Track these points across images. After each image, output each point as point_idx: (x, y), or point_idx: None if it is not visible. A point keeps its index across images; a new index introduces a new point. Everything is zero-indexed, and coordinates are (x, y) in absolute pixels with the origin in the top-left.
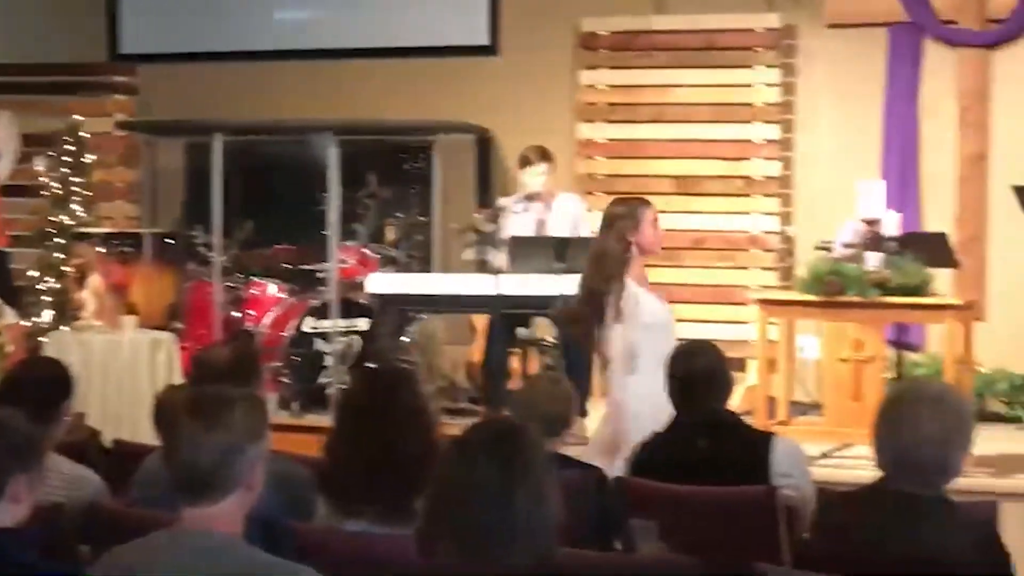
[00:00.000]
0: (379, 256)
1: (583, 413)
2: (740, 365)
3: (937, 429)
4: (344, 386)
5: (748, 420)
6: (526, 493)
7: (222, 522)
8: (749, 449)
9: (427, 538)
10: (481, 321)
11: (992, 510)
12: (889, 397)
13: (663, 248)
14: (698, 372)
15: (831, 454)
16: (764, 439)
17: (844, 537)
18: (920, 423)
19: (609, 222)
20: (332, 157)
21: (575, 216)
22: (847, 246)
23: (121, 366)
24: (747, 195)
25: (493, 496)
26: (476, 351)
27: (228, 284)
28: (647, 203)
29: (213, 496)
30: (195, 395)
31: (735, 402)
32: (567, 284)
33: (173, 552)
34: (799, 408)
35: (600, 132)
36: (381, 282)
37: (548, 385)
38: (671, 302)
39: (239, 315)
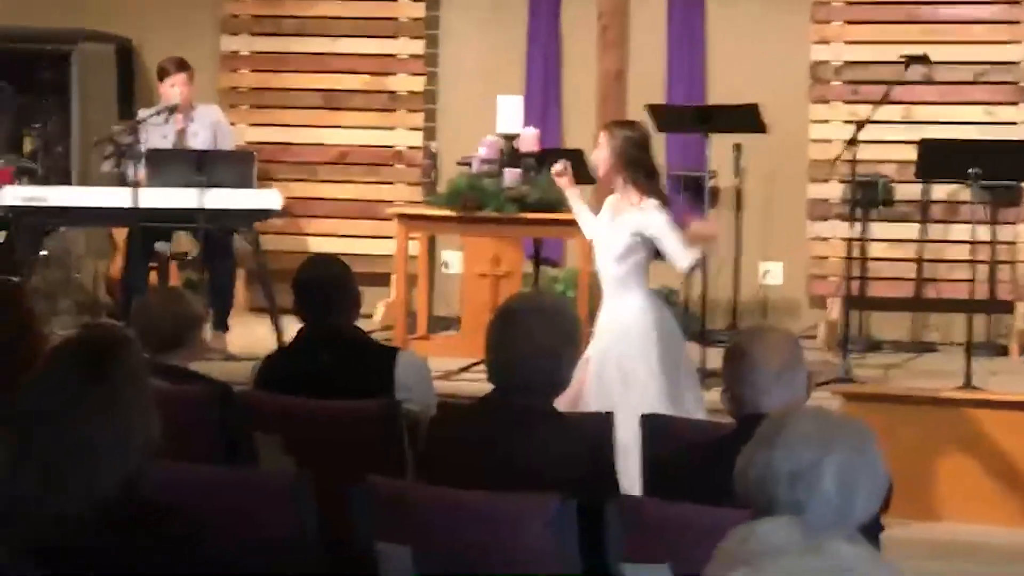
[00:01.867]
0: (14, 167)
1: (225, 328)
2: (384, 280)
3: (547, 342)
4: None
5: (387, 335)
6: (104, 406)
7: None
8: (373, 363)
9: (11, 455)
10: (122, 235)
11: (604, 423)
12: (501, 310)
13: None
14: (319, 285)
15: (470, 368)
16: (388, 353)
17: (458, 449)
18: (531, 336)
19: None
20: None
21: (215, 129)
22: (486, 162)
23: None
24: (391, 110)
25: (68, 410)
26: (116, 266)
27: None
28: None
29: None
30: None
31: (377, 317)
32: (207, 197)
33: None
34: (442, 323)
35: (244, 44)
36: (16, 194)
37: (160, 298)
38: (313, 216)
39: None
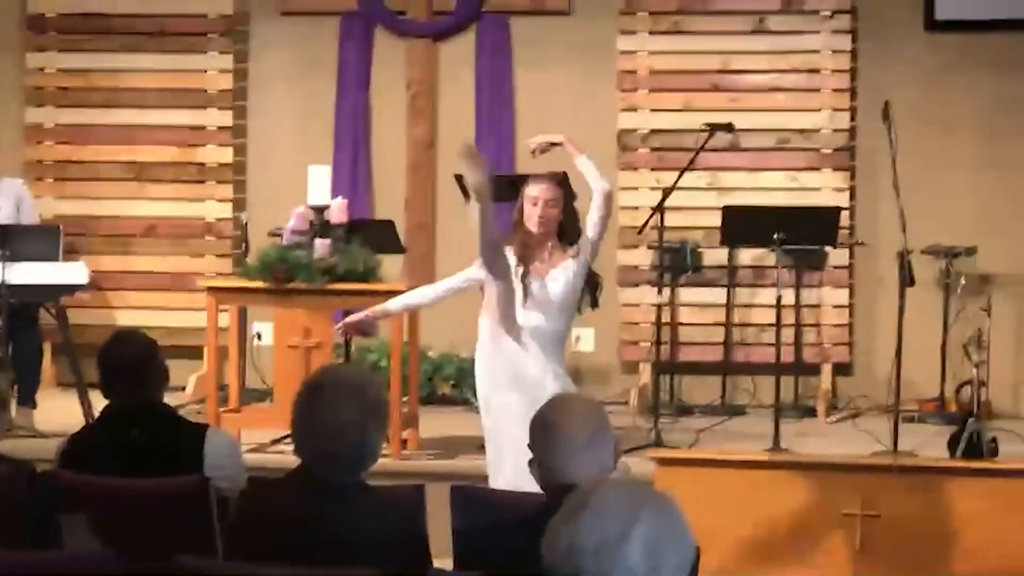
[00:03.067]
0: None
1: (32, 404)
2: (196, 353)
3: (353, 415)
4: None
5: (199, 408)
6: None
7: None
8: (182, 440)
9: None
10: None
11: (415, 494)
12: (307, 384)
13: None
14: (125, 361)
15: (283, 440)
16: (197, 430)
17: (268, 524)
18: (336, 410)
19: None
20: None
21: (19, 202)
22: (296, 232)
23: None
24: (201, 181)
25: None
26: None
27: None
28: (529, 179)
29: None
30: None
31: (189, 390)
32: (10, 272)
33: None
34: (255, 394)
35: (50, 117)
36: None
37: None
38: (121, 289)
39: None
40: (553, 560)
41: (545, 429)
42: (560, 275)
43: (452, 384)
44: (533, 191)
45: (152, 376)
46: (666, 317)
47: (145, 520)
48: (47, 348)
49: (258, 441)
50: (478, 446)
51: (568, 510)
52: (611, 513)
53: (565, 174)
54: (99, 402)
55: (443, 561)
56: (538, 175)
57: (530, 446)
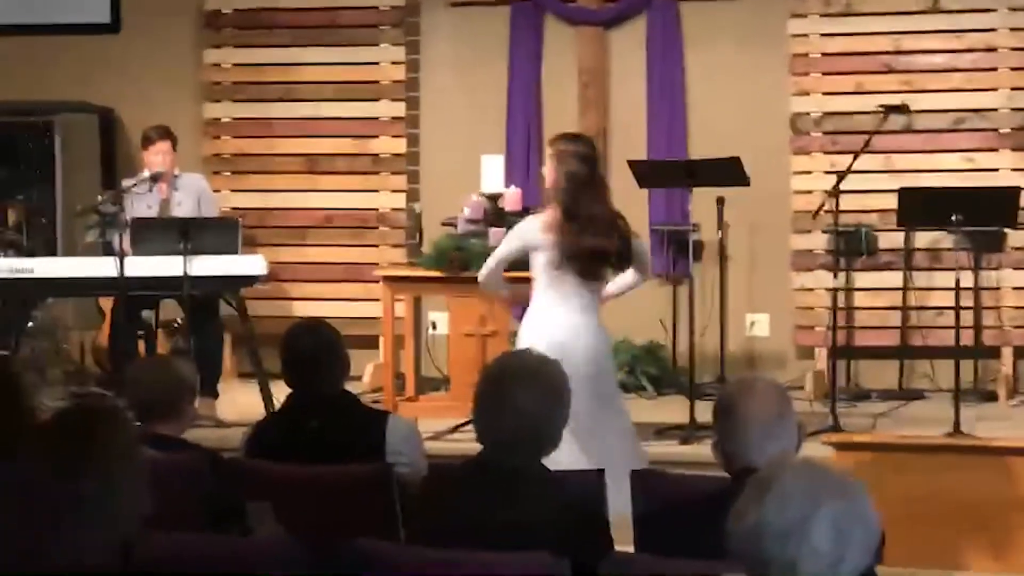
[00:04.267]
0: None
1: (214, 395)
2: (372, 342)
3: (532, 402)
4: None
5: (376, 397)
6: (97, 478)
7: None
8: (363, 428)
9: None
10: (109, 304)
11: (596, 480)
12: (487, 371)
13: (290, 227)
14: (308, 352)
15: (459, 428)
16: (378, 418)
17: (449, 510)
18: (516, 397)
19: None
20: None
21: (199, 196)
22: (470, 221)
23: None
24: (375, 172)
25: (61, 482)
26: (104, 335)
27: None
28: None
29: None
30: None
31: (365, 379)
32: (191, 265)
33: None
34: (431, 383)
35: (226, 111)
36: (2, 266)
37: (151, 367)
38: (299, 281)
39: None
40: (737, 543)
41: (728, 412)
42: None
43: (627, 370)
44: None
45: (334, 365)
46: (841, 301)
47: (328, 507)
48: (228, 339)
49: (435, 429)
50: (655, 432)
51: (752, 493)
52: (796, 496)
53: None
54: (280, 391)
55: (623, 546)
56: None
57: (713, 429)
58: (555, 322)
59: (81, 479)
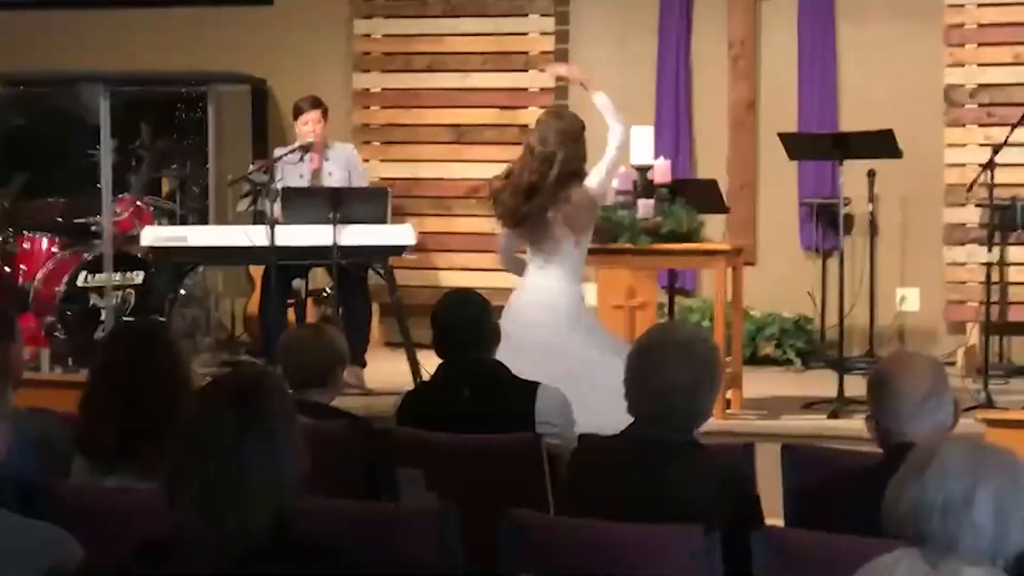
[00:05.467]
0: (154, 208)
1: (362, 363)
2: None
3: (685, 375)
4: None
5: None
6: (259, 444)
7: None
8: (513, 398)
9: (170, 492)
10: (259, 273)
11: (744, 453)
12: (639, 344)
13: (437, 196)
14: (461, 321)
15: None
16: (529, 388)
17: (600, 481)
18: (668, 369)
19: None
20: (103, 108)
21: (349, 166)
22: (619, 193)
23: None
24: (522, 143)
25: (224, 446)
26: (254, 303)
27: None
28: None
29: None
30: None
31: None
32: (341, 234)
33: None
34: None
35: (376, 82)
36: (156, 235)
37: (306, 334)
38: (446, 251)
39: (10, 270)
40: (895, 520)
41: (883, 386)
42: None
43: (775, 344)
44: None
45: (485, 336)
46: (995, 276)
47: (478, 476)
48: (375, 308)
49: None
50: (802, 405)
51: (910, 469)
52: (956, 472)
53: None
54: (426, 360)
55: (773, 520)
56: None
57: (867, 403)
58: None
59: (246, 445)
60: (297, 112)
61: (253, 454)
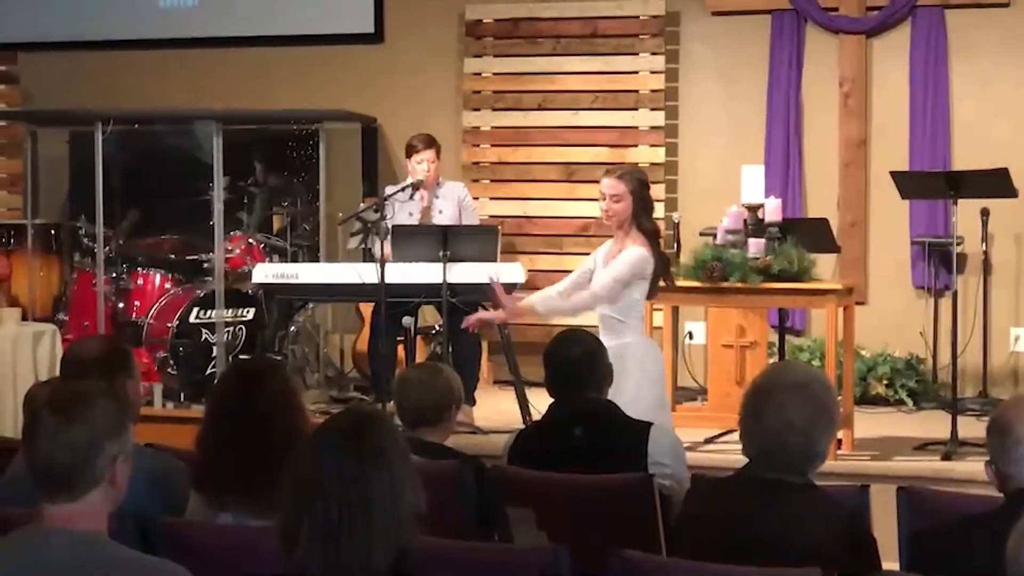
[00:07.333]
0: (265, 245)
1: (471, 402)
2: None
3: (801, 416)
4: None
5: None
6: (380, 482)
7: (84, 519)
8: (626, 438)
9: (286, 530)
10: (368, 310)
11: (860, 495)
12: (755, 384)
13: (547, 235)
14: (574, 360)
15: (716, 439)
16: (641, 428)
17: (713, 523)
18: (784, 410)
19: None
20: (216, 146)
21: (459, 204)
22: (730, 232)
23: (3, 359)
24: None
25: (345, 486)
26: (363, 340)
27: (113, 275)
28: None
29: (72, 493)
30: (55, 390)
31: None
32: (451, 272)
33: (31, 550)
34: (687, 393)
35: (485, 120)
36: (267, 271)
37: (422, 374)
38: None
39: (124, 306)
40: (1017, 566)
41: (1003, 432)
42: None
43: (886, 384)
44: (601, 185)
45: (597, 375)
46: None
47: (589, 516)
48: (484, 346)
49: (691, 439)
50: (915, 447)
51: None
52: None
53: (638, 170)
54: (537, 399)
55: (889, 564)
56: (608, 170)
57: (986, 447)
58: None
59: (369, 481)
60: (411, 150)
61: (375, 490)
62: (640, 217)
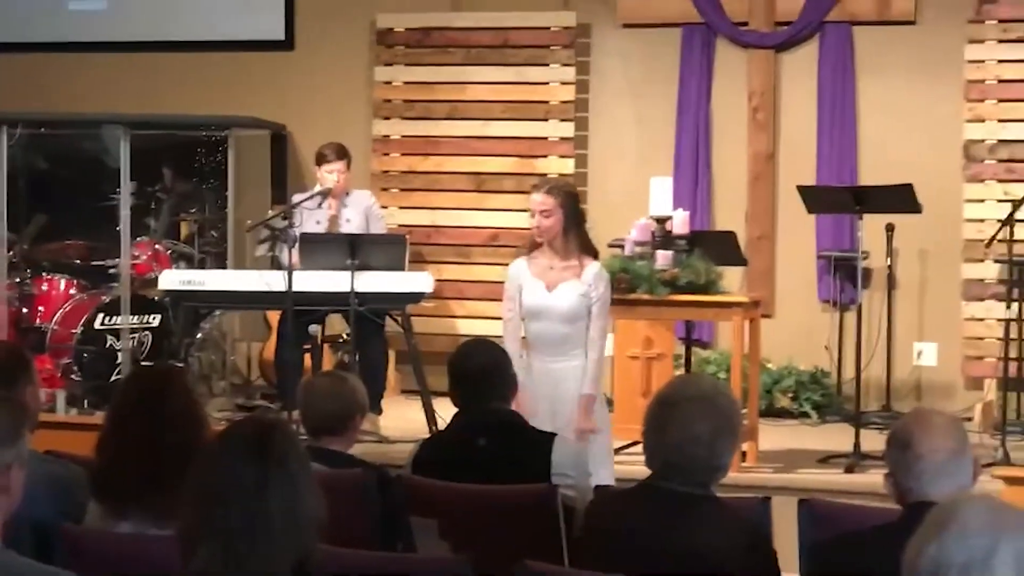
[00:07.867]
0: (172, 252)
1: (378, 410)
2: None
3: (705, 428)
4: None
5: None
6: (281, 491)
7: None
8: (529, 448)
9: (186, 539)
10: (275, 317)
11: (762, 507)
12: (659, 395)
13: (456, 244)
14: (477, 370)
15: (622, 450)
16: (544, 438)
17: (615, 534)
18: (688, 422)
19: None
20: (124, 151)
21: (367, 213)
22: (638, 244)
23: None
24: None
25: (246, 494)
26: (270, 348)
27: (17, 280)
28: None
29: None
30: None
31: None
32: (359, 280)
33: None
34: None
35: (395, 128)
36: (174, 278)
37: (326, 382)
38: (464, 299)
39: (27, 312)
40: None
41: (905, 445)
42: (568, 292)
43: (791, 396)
44: (531, 201)
45: (503, 385)
46: (1013, 332)
47: (493, 527)
48: (392, 356)
49: None
50: (818, 459)
51: (930, 527)
52: (978, 530)
53: (567, 183)
54: (441, 409)
55: (788, 575)
56: (536, 184)
57: (885, 460)
58: None
59: (270, 490)
60: (321, 159)
61: (276, 500)
62: (573, 231)
